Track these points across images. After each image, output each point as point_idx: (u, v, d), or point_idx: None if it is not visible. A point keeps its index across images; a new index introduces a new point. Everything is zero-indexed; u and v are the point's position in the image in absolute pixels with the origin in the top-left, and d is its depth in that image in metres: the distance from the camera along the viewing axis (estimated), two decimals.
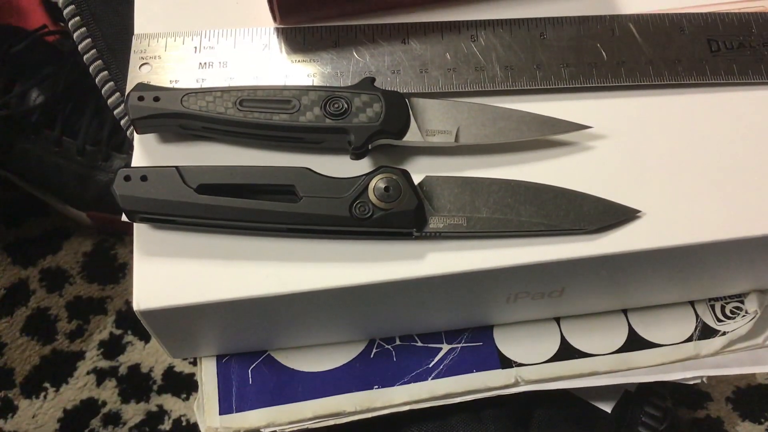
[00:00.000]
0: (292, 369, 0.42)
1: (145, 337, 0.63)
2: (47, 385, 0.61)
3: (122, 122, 0.46)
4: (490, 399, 0.42)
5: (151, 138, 0.38)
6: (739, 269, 0.41)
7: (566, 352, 0.42)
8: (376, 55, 0.40)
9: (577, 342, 0.43)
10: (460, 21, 0.41)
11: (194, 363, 0.62)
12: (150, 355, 0.63)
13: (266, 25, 0.41)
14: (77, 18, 0.45)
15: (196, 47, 0.40)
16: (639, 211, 0.36)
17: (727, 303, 0.44)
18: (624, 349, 0.43)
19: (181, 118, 0.36)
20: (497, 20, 0.41)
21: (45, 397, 0.61)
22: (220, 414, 0.40)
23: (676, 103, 0.40)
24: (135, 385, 0.62)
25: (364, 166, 0.37)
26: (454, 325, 0.43)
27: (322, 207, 0.34)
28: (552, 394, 0.43)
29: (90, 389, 0.61)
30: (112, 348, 0.63)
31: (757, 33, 0.41)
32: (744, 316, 0.43)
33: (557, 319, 0.44)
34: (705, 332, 0.43)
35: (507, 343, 0.43)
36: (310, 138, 0.37)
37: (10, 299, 0.65)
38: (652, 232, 0.36)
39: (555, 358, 0.42)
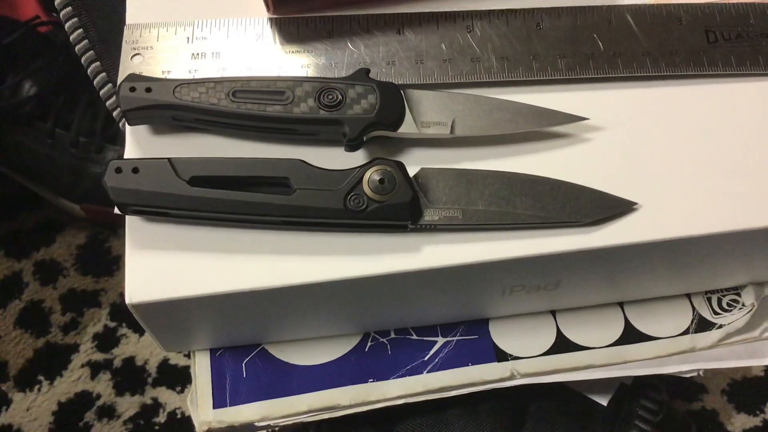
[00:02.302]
0: (287, 362, 0.42)
1: (139, 330, 0.63)
2: (41, 378, 0.61)
3: (114, 114, 0.46)
4: (486, 392, 0.42)
5: (142, 130, 0.38)
6: (736, 262, 0.41)
7: (562, 345, 0.42)
8: (370, 46, 0.39)
9: (573, 335, 0.43)
10: (455, 11, 0.40)
11: (189, 356, 0.62)
12: (144, 348, 0.63)
13: (260, 15, 0.40)
14: (69, 8, 0.44)
15: (188, 37, 0.39)
16: (636, 204, 0.36)
17: (723, 296, 0.44)
18: (620, 342, 0.42)
19: (174, 109, 0.36)
20: (493, 10, 0.40)
21: (39, 390, 0.61)
22: (214, 408, 0.40)
23: (674, 95, 0.40)
24: (129, 377, 0.62)
25: (358, 158, 0.37)
26: (450, 318, 0.43)
27: (317, 199, 0.34)
28: (548, 387, 0.43)
29: (84, 382, 0.61)
30: (106, 341, 0.63)
31: (755, 24, 0.41)
32: (740, 308, 0.43)
33: (553, 312, 0.43)
34: (701, 325, 0.43)
35: (503, 337, 0.43)
36: (304, 129, 0.37)
37: (4, 292, 0.64)
38: (649, 224, 0.36)
39: (551, 351, 0.42)
